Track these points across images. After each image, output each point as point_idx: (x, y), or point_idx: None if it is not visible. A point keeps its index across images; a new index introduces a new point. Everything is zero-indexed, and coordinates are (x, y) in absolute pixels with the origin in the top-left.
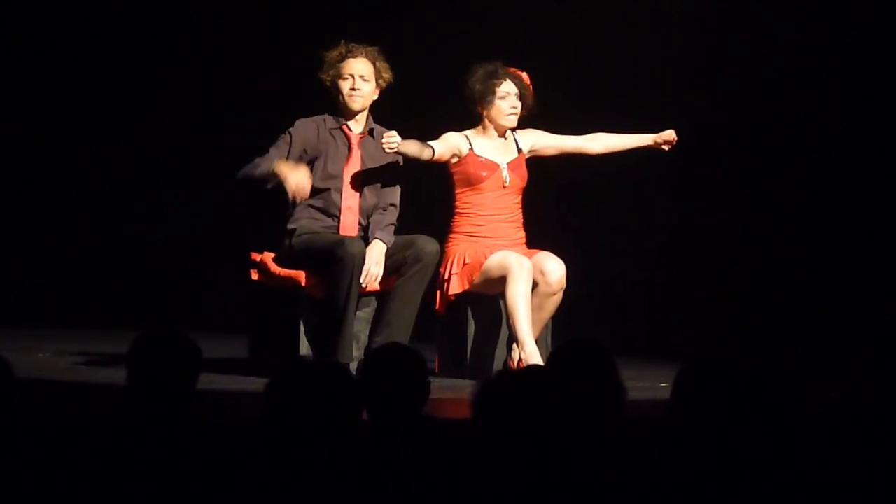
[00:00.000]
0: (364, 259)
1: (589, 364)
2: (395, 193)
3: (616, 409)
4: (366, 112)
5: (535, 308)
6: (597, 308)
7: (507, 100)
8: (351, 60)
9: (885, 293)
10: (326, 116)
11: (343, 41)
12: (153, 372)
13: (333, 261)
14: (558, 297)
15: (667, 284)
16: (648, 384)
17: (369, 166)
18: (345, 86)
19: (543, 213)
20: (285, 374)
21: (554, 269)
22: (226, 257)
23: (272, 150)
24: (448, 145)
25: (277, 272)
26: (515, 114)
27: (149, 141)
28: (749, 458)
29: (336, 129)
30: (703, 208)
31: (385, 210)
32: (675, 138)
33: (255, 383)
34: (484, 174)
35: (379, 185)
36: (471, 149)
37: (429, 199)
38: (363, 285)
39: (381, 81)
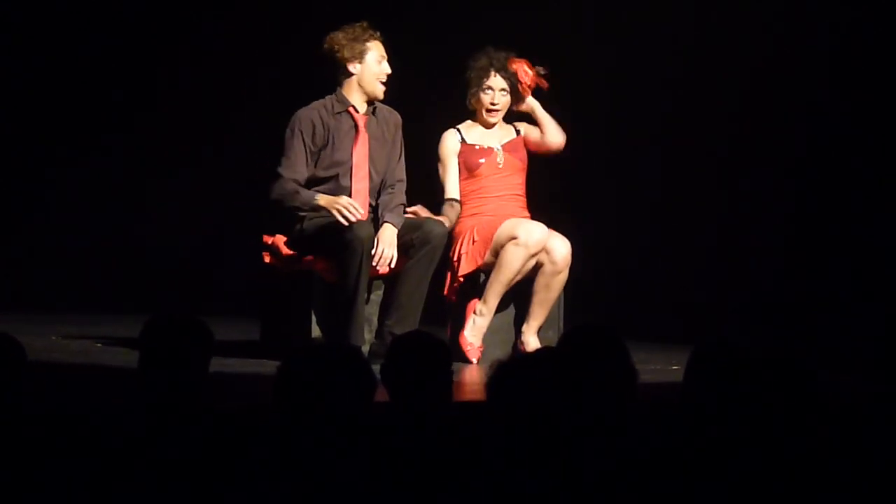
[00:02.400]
0: (372, 242)
1: (601, 347)
2: (400, 168)
3: (628, 392)
4: None
5: (543, 288)
6: (608, 291)
7: (488, 94)
8: (378, 42)
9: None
10: (328, 100)
11: (363, 21)
12: (166, 355)
13: (342, 245)
14: (564, 276)
15: (679, 267)
16: (660, 367)
17: (374, 146)
18: (380, 71)
19: (550, 192)
20: (297, 356)
21: (558, 246)
22: (238, 241)
23: (290, 156)
24: (453, 160)
25: (289, 255)
26: (496, 110)
27: (161, 124)
28: (760, 440)
29: (342, 112)
30: (718, 191)
31: (393, 187)
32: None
33: (268, 366)
34: (479, 161)
35: (385, 162)
36: (463, 141)
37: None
38: (376, 268)
39: None
